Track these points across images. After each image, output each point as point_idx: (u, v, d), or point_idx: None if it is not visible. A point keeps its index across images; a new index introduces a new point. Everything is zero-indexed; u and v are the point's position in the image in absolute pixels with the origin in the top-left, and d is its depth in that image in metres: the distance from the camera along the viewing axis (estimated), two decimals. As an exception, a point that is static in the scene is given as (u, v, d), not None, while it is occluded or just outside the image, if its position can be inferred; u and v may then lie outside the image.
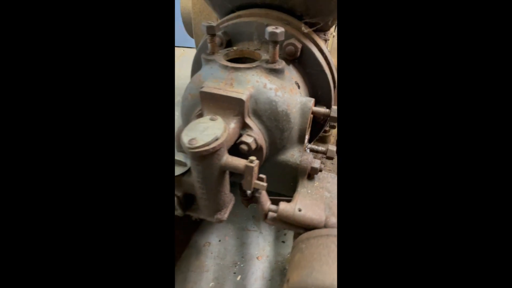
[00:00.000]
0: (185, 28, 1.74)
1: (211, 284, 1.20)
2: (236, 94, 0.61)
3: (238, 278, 1.24)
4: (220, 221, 0.68)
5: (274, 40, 0.63)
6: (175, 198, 0.67)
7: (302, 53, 0.76)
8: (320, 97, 0.83)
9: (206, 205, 0.65)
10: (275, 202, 0.66)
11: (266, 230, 1.39)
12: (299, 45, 0.73)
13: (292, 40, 0.73)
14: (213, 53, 0.71)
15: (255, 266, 1.26)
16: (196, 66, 0.88)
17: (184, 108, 0.74)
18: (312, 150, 0.80)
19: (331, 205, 0.66)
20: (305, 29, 0.75)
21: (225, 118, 0.62)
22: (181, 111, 0.77)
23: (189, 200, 0.69)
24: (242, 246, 1.36)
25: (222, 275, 1.24)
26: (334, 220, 0.60)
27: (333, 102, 0.85)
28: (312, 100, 0.71)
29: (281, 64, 0.68)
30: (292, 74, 0.75)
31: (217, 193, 0.63)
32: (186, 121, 0.75)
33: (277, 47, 0.65)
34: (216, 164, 0.57)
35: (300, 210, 0.60)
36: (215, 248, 1.34)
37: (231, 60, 0.74)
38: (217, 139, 0.54)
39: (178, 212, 0.69)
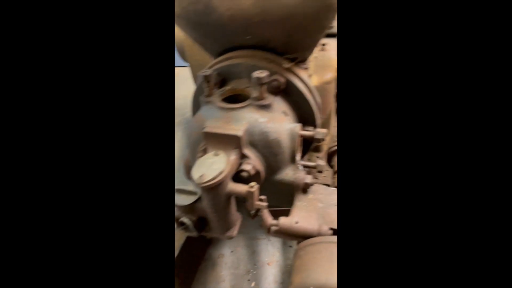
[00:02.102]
0: (179, 53, 1.88)
1: (229, 293, 1.31)
2: (233, 131, 0.73)
3: (253, 284, 1.34)
4: (230, 238, 0.80)
5: (259, 83, 0.75)
6: (191, 222, 0.79)
7: (286, 86, 0.89)
8: (306, 120, 0.96)
9: (217, 226, 0.77)
10: (277, 213, 0.77)
11: (274, 237, 1.50)
12: (283, 80, 0.86)
13: (276, 76, 0.85)
14: (210, 95, 0.84)
15: (267, 272, 1.37)
16: (195, 103, 1.01)
17: (190, 143, 0.86)
18: (304, 166, 0.92)
19: (324, 215, 0.77)
20: (286, 65, 0.87)
21: (226, 151, 0.74)
22: (188, 145, 0.89)
23: (202, 223, 0.81)
24: (253, 254, 1.47)
25: (238, 283, 1.34)
26: (325, 228, 0.71)
27: (318, 122, 0.97)
28: (298, 126, 0.83)
29: (268, 99, 0.80)
30: (279, 105, 0.87)
31: (225, 215, 0.75)
32: (193, 152, 0.87)
33: (264, 87, 0.78)
34: (222, 192, 0.69)
35: (297, 223, 0.72)
36: (228, 259, 1.45)
37: (226, 98, 0.87)
38: (221, 173, 0.67)
39: (194, 233, 0.81)
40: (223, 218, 0.75)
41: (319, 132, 0.83)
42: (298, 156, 0.91)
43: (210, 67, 0.96)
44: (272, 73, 0.87)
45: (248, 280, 1.36)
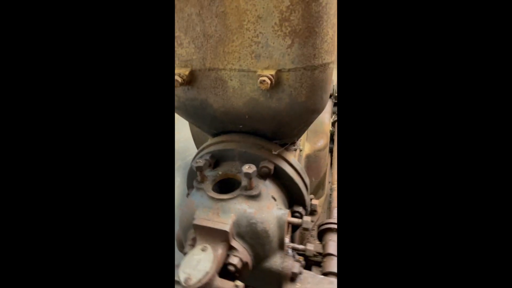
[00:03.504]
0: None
1: None
2: (221, 225, 0.76)
3: None
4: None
5: (248, 177, 0.80)
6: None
7: (275, 170, 0.93)
8: (296, 200, 0.99)
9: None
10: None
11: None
12: (271, 166, 0.91)
13: (265, 163, 0.90)
14: (202, 182, 0.89)
15: None
16: (190, 176, 1.05)
17: (181, 226, 0.89)
18: (293, 249, 0.92)
19: (310, 309, 0.77)
20: (275, 151, 0.93)
21: (214, 244, 0.76)
22: (180, 225, 0.92)
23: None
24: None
25: None
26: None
27: (307, 203, 1.00)
28: (286, 213, 0.86)
29: (257, 190, 0.84)
30: (268, 190, 0.91)
31: (212, 311, 0.74)
32: (184, 233, 0.89)
33: (252, 179, 0.82)
34: (209, 290, 0.70)
35: (281, 322, 0.71)
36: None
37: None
38: (207, 274, 0.68)
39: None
40: (209, 313, 0.75)
41: (306, 221, 0.86)
42: (287, 239, 0.92)
43: (204, 148, 1.02)
44: (261, 159, 0.92)
45: None
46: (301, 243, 1.09)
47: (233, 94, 0.81)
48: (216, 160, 0.98)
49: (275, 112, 0.82)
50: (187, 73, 0.79)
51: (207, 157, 0.96)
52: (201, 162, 0.86)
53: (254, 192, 0.83)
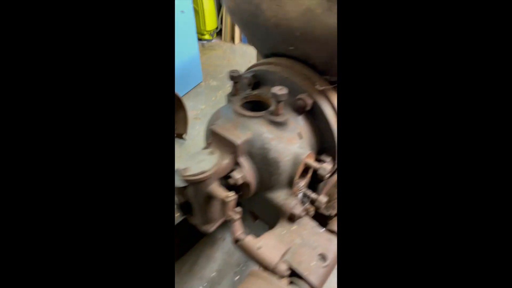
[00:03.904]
0: None
1: (213, 274, 1.39)
2: (233, 137, 0.74)
3: (236, 278, 1.39)
4: (205, 232, 0.84)
5: (276, 99, 0.73)
6: (178, 203, 0.86)
7: (313, 108, 0.82)
8: (326, 149, 0.88)
9: (197, 216, 0.82)
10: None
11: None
12: (309, 101, 0.80)
13: (303, 96, 0.80)
14: (234, 95, 0.86)
15: (252, 273, 1.38)
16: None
17: (206, 131, 0.92)
18: (304, 195, 0.86)
19: (295, 252, 0.73)
20: (319, 87, 0.81)
21: (223, 153, 0.76)
22: (205, 132, 0.95)
23: (188, 207, 0.87)
24: (247, 252, 1.49)
25: (224, 270, 1.41)
26: (284, 267, 0.68)
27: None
28: (306, 153, 0.78)
29: (283, 117, 0.77)
30: (298, 125, 0.83)
31: (205, 211, 0.78)
32: (206, 137, 0.92)
33: (281, 103, 0.75)
34: (203, 190, 0.73)
35: (259, 248, 0.70)
36: (227, 244, 1.52)
37: (253, 102, 0.88)
38: (204, 172, 0.69)
39: (179, 214, 0.88)
40: (202, 212, 0.79)
41: (324, 167, 0.76)
42: (302, 182, 0.86)
43: (251, 67, 0.96)
44: (302, 91, 0.82)
45: (235, 272, 1.41)
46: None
47: (289, 0, 0.70)
48: (258, 81, 0.93)
49: (331, 32, 0.68)
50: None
51: (249, 75, 0.91)
52: (236, 73, 0.82)
53: (278, 119, 0.77)
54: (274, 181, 0.80)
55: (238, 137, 0.75)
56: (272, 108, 0.78)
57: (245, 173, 0.77)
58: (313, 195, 0.85)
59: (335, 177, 1.19)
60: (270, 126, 0.77)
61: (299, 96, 0.80)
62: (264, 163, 0.77)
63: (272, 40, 0.86)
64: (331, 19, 0.65)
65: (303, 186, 0.87)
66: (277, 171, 0.78)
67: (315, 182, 0.99)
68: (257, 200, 0.86)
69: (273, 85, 0.90)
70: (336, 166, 0.93)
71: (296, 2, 0.69)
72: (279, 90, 0.72)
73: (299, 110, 0.83)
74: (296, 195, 0.86)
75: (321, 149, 0.90)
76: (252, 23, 0.85)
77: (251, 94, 0.87)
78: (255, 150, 0.77)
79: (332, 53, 0.76)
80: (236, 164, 0.77)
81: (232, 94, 0.86)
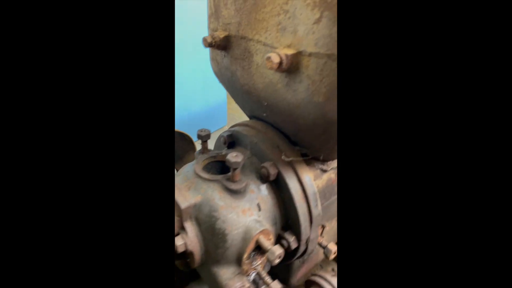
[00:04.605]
0: None
1: None
2: (180, 199, 0.70)
3: None
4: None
5: (231, 167, 0.69)
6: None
7: (278, 179, 0.76)
8: (291, 226, 0.79)
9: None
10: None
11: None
12: (273, 171, 0.74)
13: (267, 164, 0.75)
14: (203, 152, 0.84)
15: None
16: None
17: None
18: (259, 277, 0.75)
19: None
20: (286, 158, 0.75)
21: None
22: None
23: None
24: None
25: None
26: None
27: (303, 237, 0.77)
28: (259, 229, 0.70)
29: (239, 185, 0.72)
30: (259, 194, 0.76)
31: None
32: None
33: (237, 170, 0.70)
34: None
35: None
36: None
37: (218, 162, 0.85)
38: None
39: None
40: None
41: (272, 251, 0.67)
42: (259, 260, 0.76)
43: (232, 126, 0.96)
44: (268, 159, 0.77)
45: None
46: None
47: (256, 72, 0.70)
48: (233, 141, 0.90)
49: (290, 107, 0.65)
50: (222, 36, 0.74)
51: (226, 134, 0.90)
52: (204, 132, 0.81)
53: (233, 186, 0.71)
54: (220, 255, 0.71)
55: (186, 199, 0.70)
56: (229, 173, 0.74)
57: (188, 240, 0.70)
58: (267, 279, 0.73)
59: (319, 254, 1.04)
60: (223, 193, 0.72)
61: (263, 164, 0.75)
62: (210, 233, 0.70)
63: (248, 105, 0.86)
64: (289, 94, 0.63)
65: (259, 264, 0.77)
66: (223, 244, 0.70)
67: (288, 258, 0.88)
68: (205, 270, 0.77)
69: (245, 147, 0.87)
70: (302, 248, 0.81)
71: (261, 74, 0.68)
72: (234, 157, 0.68)
73: (264, 178, 0.77)
74: (247, 275, 0.75)
75: (286, 225, 0.81)
76: (232, 87, 0.86)
77: (220, 154, 0.85)
78: (202, 217, 0.71)
79: (295, 126, 0.72)
80: (182, 229, 0.72)
81: (201, 152, 0.84)
